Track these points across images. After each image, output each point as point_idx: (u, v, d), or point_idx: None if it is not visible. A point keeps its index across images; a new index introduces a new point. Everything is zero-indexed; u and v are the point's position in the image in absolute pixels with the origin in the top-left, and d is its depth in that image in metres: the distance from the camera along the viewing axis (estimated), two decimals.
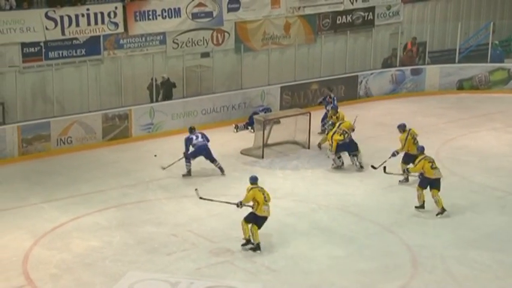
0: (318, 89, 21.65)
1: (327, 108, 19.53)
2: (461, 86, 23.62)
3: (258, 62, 22.20)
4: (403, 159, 16.46)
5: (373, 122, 20.60)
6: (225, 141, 19.06)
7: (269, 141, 18.34)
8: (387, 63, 23.99)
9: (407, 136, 16.36)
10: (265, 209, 13.12)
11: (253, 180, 13.33)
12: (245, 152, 18.33)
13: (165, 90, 20.16)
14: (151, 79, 19.89)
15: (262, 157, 17.94)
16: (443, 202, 14.67)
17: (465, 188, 16.30)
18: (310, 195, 15.86)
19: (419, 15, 25.16)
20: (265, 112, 20.00)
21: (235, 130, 19.97)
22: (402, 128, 16.57)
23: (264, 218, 13.21)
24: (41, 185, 16.29)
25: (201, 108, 20.05)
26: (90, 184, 16.30)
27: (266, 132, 18.29)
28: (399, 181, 16.31)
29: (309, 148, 18.68)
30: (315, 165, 17.48)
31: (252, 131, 19.33)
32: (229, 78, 21.34)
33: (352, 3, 23.68)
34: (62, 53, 19.19)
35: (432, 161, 14.93)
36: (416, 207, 15.04)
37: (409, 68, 23.48)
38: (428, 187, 14.83)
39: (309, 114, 18.94)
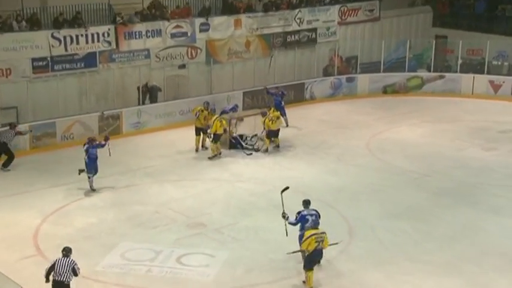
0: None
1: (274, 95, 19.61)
2: (385, 91, 23.64)
3: (224, 72, 21.92)
4: (266, 135, 17.34)
5: (316, 119, 20.53)
6: None
7: (235, 135, 18.06)
8: (327, 72, 23.90)
9: (265, 119, 17.27)
10: None
11: None
12: None
13: (153, 93, 19.86)
14: (138, 87, 19.55)
15: (229, 148, 17.68)
16: None
17: (389, 171, 16.32)
18: (267, 179, 15.70)
19: (352, 35, 25.06)
20: (234, 109, 19.43)
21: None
22: (263, 114, 17.44)
23: None
24: (48, 172, 15.90)
25: (178, 110, 19.73)
26: None
27: (233, 127, 18.03)
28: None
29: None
30: (270, 154, 17.31)
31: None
32: (201, 85, 21.05)
33: (299, 25, 23.49)
34: (65, 66, 18.73)
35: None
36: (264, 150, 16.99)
37: (345, 76, 23.42)
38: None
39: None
